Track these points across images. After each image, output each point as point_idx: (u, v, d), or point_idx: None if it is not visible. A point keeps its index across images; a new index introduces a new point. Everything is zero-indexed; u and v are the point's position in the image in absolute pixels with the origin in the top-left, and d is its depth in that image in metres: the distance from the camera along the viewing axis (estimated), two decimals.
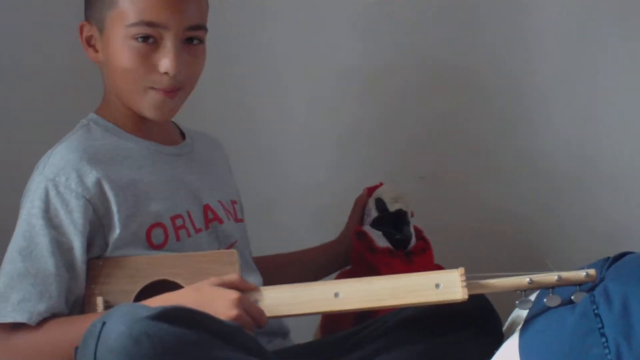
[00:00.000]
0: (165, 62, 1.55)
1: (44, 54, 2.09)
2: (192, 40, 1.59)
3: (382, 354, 1.55)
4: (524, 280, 1.43)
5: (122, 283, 1.50)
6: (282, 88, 2.24)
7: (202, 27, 1.60)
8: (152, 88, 1.57)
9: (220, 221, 1.66)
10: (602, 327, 1.34)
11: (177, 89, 1.59)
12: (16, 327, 1.46)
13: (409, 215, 1.84)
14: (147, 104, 1.58)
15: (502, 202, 2.25)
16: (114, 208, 1.53)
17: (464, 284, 1.42)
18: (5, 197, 1.69)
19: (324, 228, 2.02)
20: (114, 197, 1.53)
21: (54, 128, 1.66)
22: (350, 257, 1.86)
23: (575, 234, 2.24)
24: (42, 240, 1.49)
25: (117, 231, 1.52)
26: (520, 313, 1.49)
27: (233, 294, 1.42)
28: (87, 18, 1.61)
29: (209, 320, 1.34)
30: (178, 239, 1.58)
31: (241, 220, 1.74)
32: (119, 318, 1.28)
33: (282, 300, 1.46)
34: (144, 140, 1.63)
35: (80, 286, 1.50)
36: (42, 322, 1.46)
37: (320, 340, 1.74)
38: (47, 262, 1.48)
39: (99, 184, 1.52)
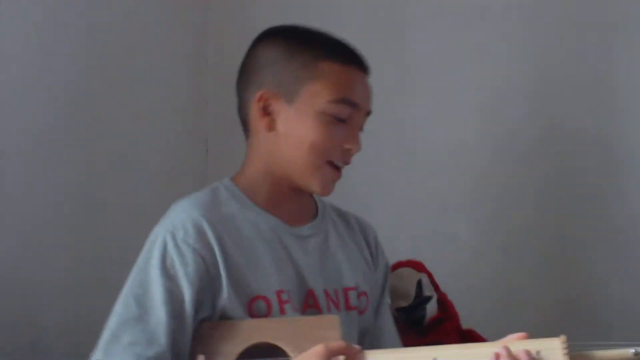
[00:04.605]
0: (353, 141, 1.61)
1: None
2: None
3: None
4: (628, 352, 1.40)
5: (222, 344, 1.52)
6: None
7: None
8: (330, 163, 1.62)
9: (320, 310, 1.63)
10: None
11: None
12: None
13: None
14: (319, 179, 1.62)
15: (604, 267, 2.24)
16: (223, 273, 1.55)
17: (565, 352, 1.40)
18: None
19: None
20: (224, 261, 1.55)
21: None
22: None
23: None
24: (157, 290, 1.52)
25: (225, 295, 1.54)
26: None
27: None
28: (271, 87, 1.62)
29: None
30: (282, 312, 1.58)
31: (354, 308, 1.69)
32: None
33: None
34: (267, 214, 1.64)
35: (187, 340, 1.52)
36: None
37: None
38: (160, 311, 1.51)
39: (213, 245, 1.55)
